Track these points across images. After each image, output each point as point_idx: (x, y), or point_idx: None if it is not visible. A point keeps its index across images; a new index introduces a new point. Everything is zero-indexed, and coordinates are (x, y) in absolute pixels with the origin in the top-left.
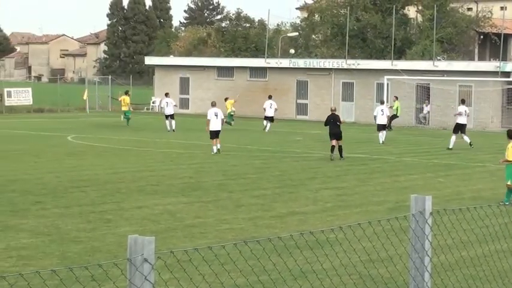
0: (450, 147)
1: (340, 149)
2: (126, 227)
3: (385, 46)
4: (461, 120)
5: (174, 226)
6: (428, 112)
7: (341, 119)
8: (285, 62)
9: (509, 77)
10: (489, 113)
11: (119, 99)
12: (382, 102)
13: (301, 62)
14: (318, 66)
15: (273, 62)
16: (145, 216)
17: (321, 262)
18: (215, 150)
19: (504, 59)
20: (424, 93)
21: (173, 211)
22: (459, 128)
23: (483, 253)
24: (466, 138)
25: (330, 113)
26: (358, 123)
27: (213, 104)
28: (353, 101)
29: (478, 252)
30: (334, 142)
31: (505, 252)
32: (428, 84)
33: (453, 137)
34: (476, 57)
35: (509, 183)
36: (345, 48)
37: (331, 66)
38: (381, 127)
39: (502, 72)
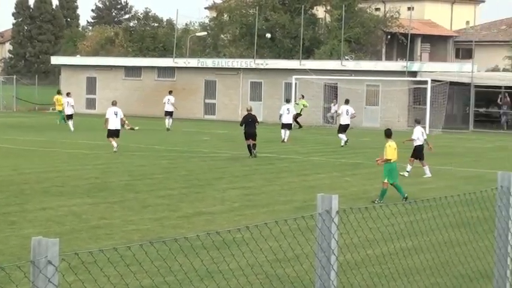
0: (342, 144)
1: (254, 146)
2: (30, 229)
3: (294, 46)
4: (344, 120)
5: (79, 227)
6: (336, 111)
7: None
8: (193, 62)
9: (415, 76)
10: (396, 112)
11: (54, 98)
12: (287, 101)
13: (209, 62)
14: (227, 66)
15: (181, 62)
16: (50, 217)
17: (228, 262)
18: (116, 145)
19: (411, 58)
20: (332, 93)
21: (78, 212)
22: (344, 129)
23: (388, 251)
24: (343, 137)
25: (246, 113)
26: (265, 123)
27: (114, 103)
28: (261, 100)
29: (383, 250)
30: (250, 141)
31: (410, 250)
32: (336, 83)
33: (341, 135)
34: (383, 57)
35: (385, 181)
36: (253, 48)
37: (239, 66)
38: (286, 126)
39: (408, 71)
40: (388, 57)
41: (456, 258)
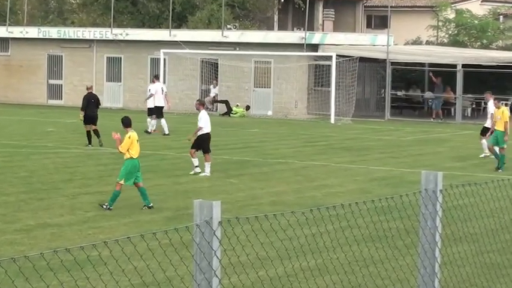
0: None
1: (97, 132)
2: None
3: (162, 11)
4: (159, 102)
5: None
6: (217, 94)
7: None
8: (32, 32)
9: (316, 50)
10: (292, 96)
11: None
12: (157, 78)
13: (53, 32)
14: (76, 37)
15: (17, 32)
16: None
17: (81, 287)
18: None
19: (310, 28)
20: (211, 71)
21: None
22: (157, 113)
23: (286, 272)
24: (164, 123)
25: (87, 92)
26: (127, 109)
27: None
28: (121, 81)
29: (279, 271)
30: (91, 127)
31: (313, 270)
32: (217, 59)
33: (161, 121)
34: (276, 26)
35: (121, 182)
36: (109, 14)
37: (92, 37)
38: (157, 111)
39: (308, 45)
40: (282, 27)
41: (371, 280)
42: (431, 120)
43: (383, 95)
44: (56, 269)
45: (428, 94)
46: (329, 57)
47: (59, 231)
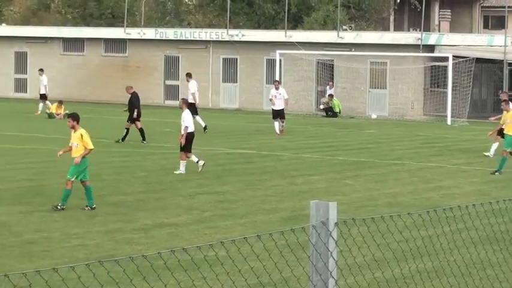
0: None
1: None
2: None
3: (277, 12)
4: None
5: (9, 243)
6: (333, 96)
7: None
8: (149, 33)
9: (433, 51)
10: (408, 97)
11: None
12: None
13: (170, 33)
14: (192, 38)
15: (135, 33)
16: None
17: (198, 287)
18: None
19: (426, 29)
20: (327, 73)
21: (8, 223)
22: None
23: (402, 274)
24: (199, 118)
25: (131, 92)
26: (243, 110)
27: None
28: (237, 82)
29: (395, 272)
30: (137, 125)
31: (429, 272)
32: (332, 60)
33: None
34: (391, 26)
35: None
36: (225, 15)
37: (208, 38)
38: (278, 113)
39: (424, 45)
40: (398, 27)
41: (488, 283)
42: None
43: (500, 96)
44: (173, 269)
45: None
46: (445, 58)
47: (176, 230)
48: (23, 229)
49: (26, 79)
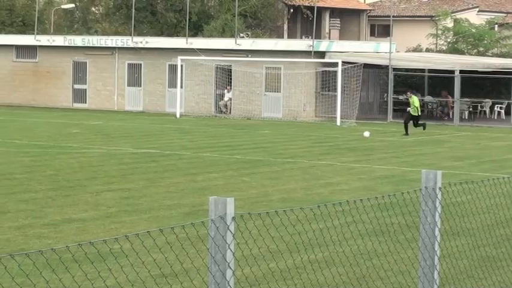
0: None
1: None
2: None
3: (179, 21)
4: None
5: None
6: (230, 99)
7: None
8: (58, 40)
9: (323, 57)
10: (301, 100)
11: None
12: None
13: (78, 40)
14: (99, 45)
15: (45, 40)
16: None
17: (104, 278)
18: None
19: (318, 36)
20: (225, 77)
21: None
22: None
23: (295, 264)
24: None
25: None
26: (147, 112)
27: None
28: (141, 86)
29: (288, 263)
30: None
31: (320, 262)
32: (230, 66)
33: None
34: (285, 34)
35: None
36: (130, 24)
37: (114, 45)
38: None
39: (315, 52)
40: (291, 35)
41: (375, 272)
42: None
43: (386, 98)
44: (81, 261)
45: (428, 98)
46: (335, 64)
47: (84, 225)
48: None
49: None
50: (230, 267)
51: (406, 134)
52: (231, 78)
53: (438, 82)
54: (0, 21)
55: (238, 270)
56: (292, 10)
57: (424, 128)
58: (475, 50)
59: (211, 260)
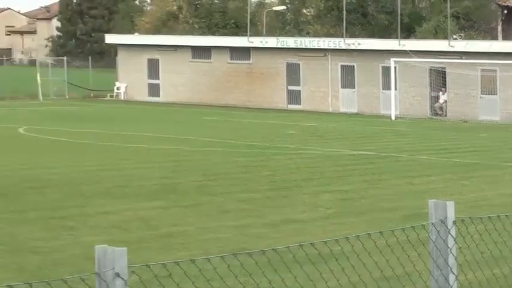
0: None
1: None
2: (91, 236)
3: (390, 22)
4: None
5: (147, 235)
6: (445, 101)
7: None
8: (271, 42)
9: None
10: None
11: None
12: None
13: (290, 42)
14: (311, 47)
15: (257, 41)
16: (113, 223)
17: (326, 280)
18: None
19: None
20: (439, 79)
21: (146, 217)
22: None
23: None
24: None
25: None
26: (361, 114)
27: None
28: (355, 87)
29: None
30: None
31: None
32: (444, 68)
33: None
34: (500, 35)
35: None
36: (341, 25)
37: (326, 47)
38: None
39: None
40: (506, 36)
41: None
42: None
43: None
44: (302, 262)
45: None
46: None
47: (303, 226)
48: (160, 223)
49: (159, 84)
50: (453, 272)
51: None
52: (445, 80)
53: None
54: (214, 23)
55: (461, 275)
56: (506, 11)
57: None
58: None
59: (433, 264)
